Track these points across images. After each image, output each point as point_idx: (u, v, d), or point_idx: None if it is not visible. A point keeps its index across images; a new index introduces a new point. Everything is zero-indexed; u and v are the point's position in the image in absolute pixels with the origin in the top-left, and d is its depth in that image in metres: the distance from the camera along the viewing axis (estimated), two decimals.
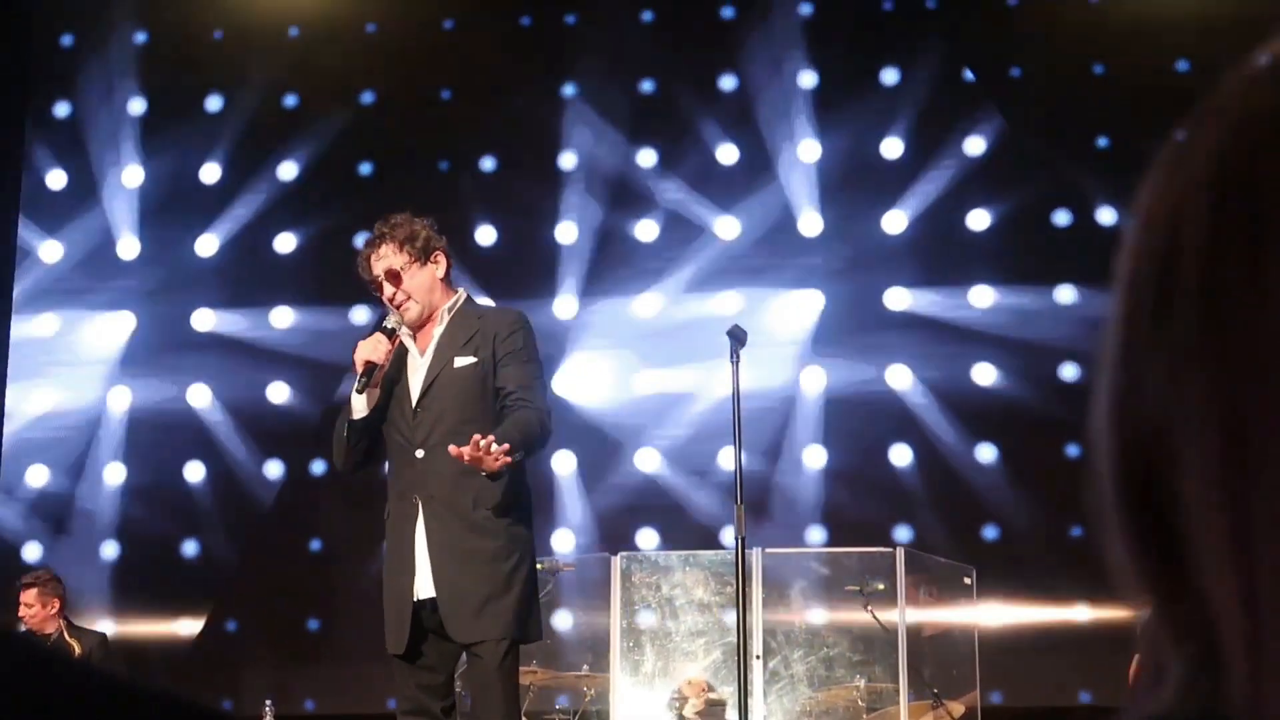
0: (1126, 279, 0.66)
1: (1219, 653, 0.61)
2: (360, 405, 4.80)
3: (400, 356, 4.89)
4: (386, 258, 4.89)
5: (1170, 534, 0.63)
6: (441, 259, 4.92)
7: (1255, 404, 0.60)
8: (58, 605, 7.49)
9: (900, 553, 6.68)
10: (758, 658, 6.45)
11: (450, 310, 4.89)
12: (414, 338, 4.91)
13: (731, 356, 5.21)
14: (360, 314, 8.98)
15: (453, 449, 4.45)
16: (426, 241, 4.91)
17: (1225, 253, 0.61)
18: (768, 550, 6.74)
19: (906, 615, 6.59)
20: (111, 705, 0.70)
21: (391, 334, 4.80)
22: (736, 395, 5.13)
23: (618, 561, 6.79)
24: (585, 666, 6.89)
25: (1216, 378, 0.61)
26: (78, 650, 7.25)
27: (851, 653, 6.72)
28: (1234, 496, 0.60)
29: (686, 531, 8.48)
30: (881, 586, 6.67)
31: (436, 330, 4.86)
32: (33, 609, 7.42)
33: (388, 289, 4.87)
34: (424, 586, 4.70)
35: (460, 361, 4.78)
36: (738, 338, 5.26)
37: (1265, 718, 0.58)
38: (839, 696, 6.65)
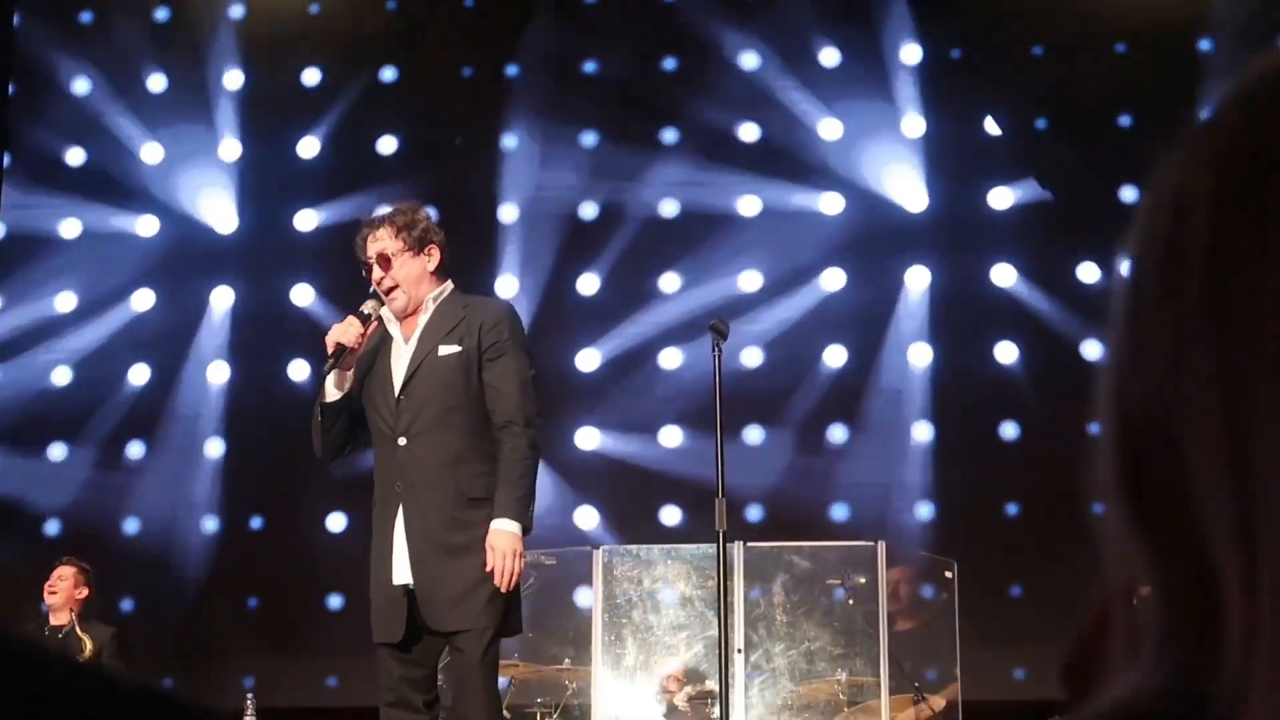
0: (1135, 257, 0.67)
1: (1214, 631, 0.61)
2: (331, 388, 4.80)
3: (385, 345, 4.90)
4: (382, 240, 4.90)
5: (1168, 510, 0.63)
6: (435, 252, 4.93)
7: (1257, 381, 0.60)
8: (85, 594, 7.49)
9: (881, 546, 6.69)
10: (739, 651, 6.45)
11: (436, 300, 4.90)
12: (400, 326, 4.91)
13: (713, 349, 5.22)
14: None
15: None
16: (424, 232, 4.92)
17: (1231, 234, 0.62)
18: (749, 544, 6.75)
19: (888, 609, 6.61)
20: (103, 705, 0.69)
21: (366, 319, 4.81)
22: (719, 388, 5.14)
23: (599, 555, 6.79)
24: (567, 660, 6.89)
25: (1220, 355, 0.61)
26: (89, 645, 7.23)
27: (833, 646, 6.73)
28: (1235, 474, 0.60)
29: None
30: (863, 580, 6.68)
31: (422, 319, 4.87)
32: (63, 584, 7.42)
33: (377, 272, 4.88)
34: (402, 574, 4.70)
35: (444, 350, 4.79)
36: (720, 331, 5.27)
37: (1258, 695, 0.58)
38: (820, 690, 6.66)
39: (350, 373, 4.83)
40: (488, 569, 4.59)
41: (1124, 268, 0.68)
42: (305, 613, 8.89)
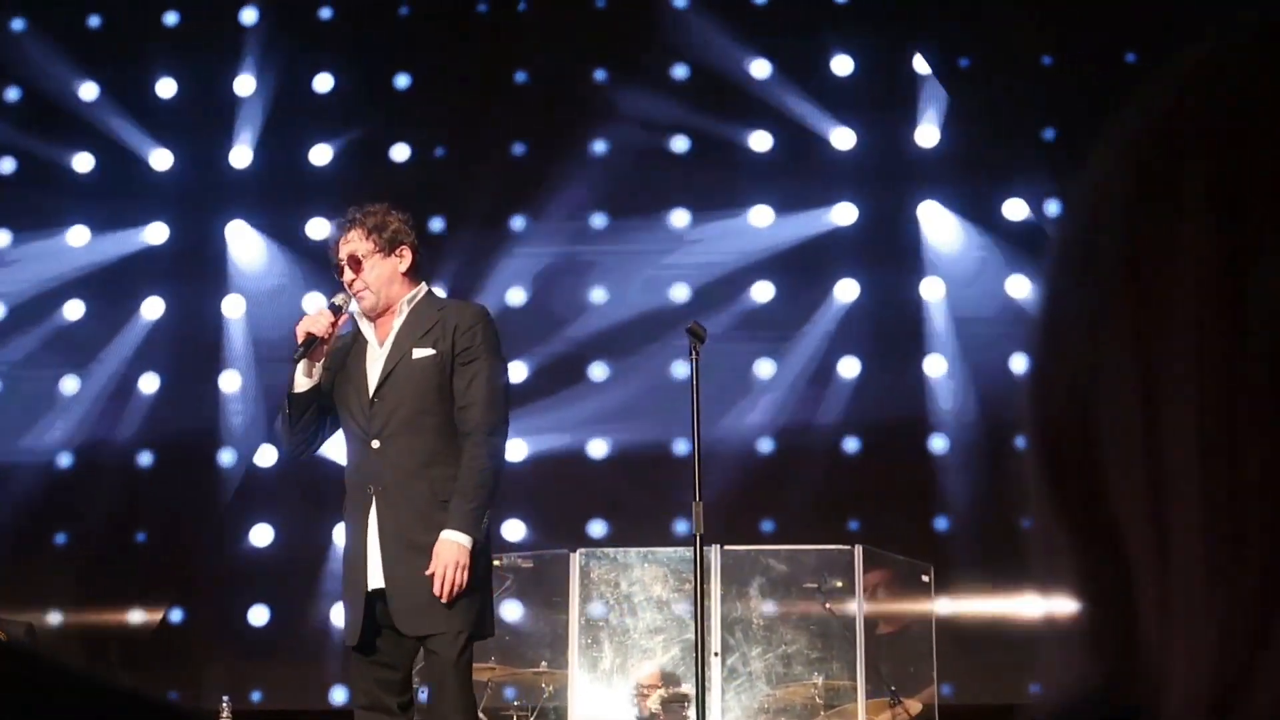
0: (1057, 240, 0.68)
1: (1133, 615, 0.61)
2: (301, 379, 4.79)
3: (359, 346, 4.89)
4: (353, 243, 4.91)
5: (1087, 506, 0.64)
6: (407, 254, 4.92)
7: (1167, 360, 0.60)
8: None
9: (858, 550, 6.70)
10: (716, 654, 6.45)
11: (410, 302, 4.89)
12: (374, 328, 4.90)
13: (690, 352, 5.22)
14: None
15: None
16: (395, 234, 4.91)
17: (1146, 213, 0.63)
18: (725, 547, 6.75)
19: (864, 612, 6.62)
20: (76, 701, 0.69)
21: (337, 310, 4.80)
22: (695, 389, 5.14)
23: (576, 558, 6.79)
24: (543, 663, 6.88)
25: (1134, 334, 0.62)
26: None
27: (809, 650, 6.73)
28: (1148, 455, 0.61)
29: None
30: (839, 584, 6.69)
31: (395, 322, 4.87)
32: None
33: (348, 274, 4.89)
34: (375, 577, 4.69)
35: (418, 353, 4.78)
36: (697, 335, 5.27)
37: (1174, 684, 0.59)
38: (797, 694, 6.66)
39: (320, 364, 4.82)
40: (428, 572, 4.58)
41: (1051, 245, 0.69)
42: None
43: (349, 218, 4.99)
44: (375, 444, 4.73)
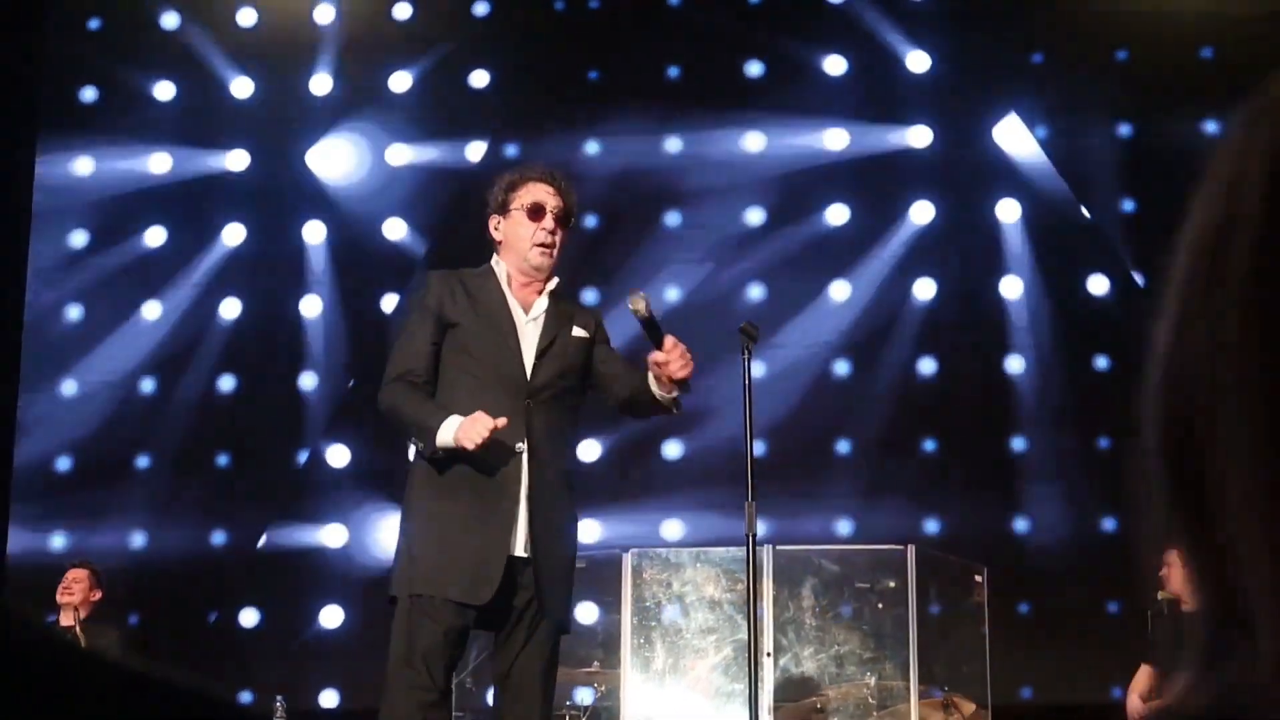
0: (1184, 256, 0.67)
1: (1251, 624, 0.60)
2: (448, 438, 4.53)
3: (496, 301, 4.75)
4: (564, 199, 4.79)
5: (1210, 511, 0.63)
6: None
7: None
8: (99, 596, 7.59)
9: (911, 550, 6.68)
10: (768, 655, 6.44)
11: (556, 282, 4.85)
12: (513, 291, 4.78)
13: (742, 352, 5.20)
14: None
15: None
16: (577, 210, 4.91)
17: (1277, 239, 0.62)
18: (778, 547, 6.74)
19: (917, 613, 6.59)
20: (133, 699, 0.70)
21: (649, 323, 4.60)
22: (748, 391, 5.12)
23: (629, 558, 6.79)
24: (596, 663, 6.89)
25: (1263, 359, 0.61)
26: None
27: (862, 650, 6.71)
28: (1273, 475, 0.60)
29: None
30: (893, 584, 6.67)
31: (544, 298, 4.77)
32: (78, 586, 7.51)
33: (549, 223, 4.75)
34: (520, 544, 4.53)
35: (577, 331, 4.78)
36: (750, 335, 5.25)
37: None
38: (849, 694, 6.64)
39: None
40: None
41: (1173, 268, 0.68)
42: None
43: (548, 172, 4.85)
44: (529, 403, 4.62)
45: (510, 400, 4.57)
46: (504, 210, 4.81)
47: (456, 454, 4.48)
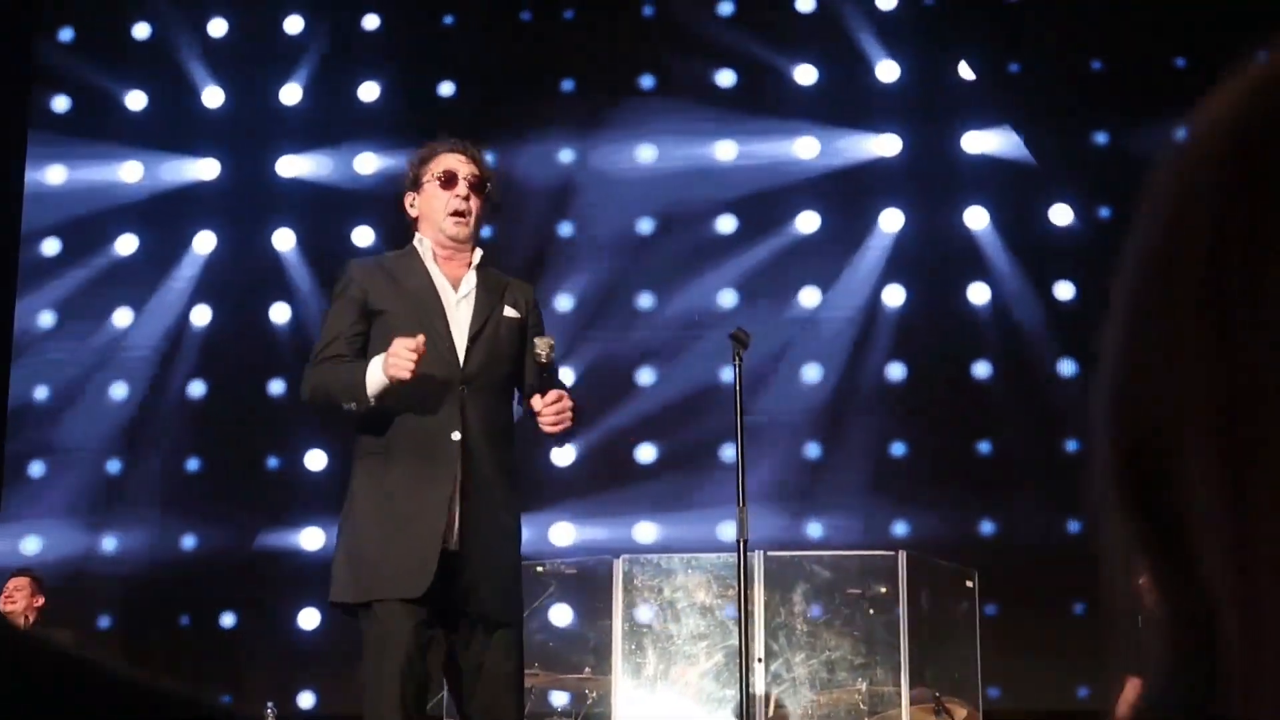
0: (1131, 275, 0.66)
1: (1217, 646, 0.60)
2: (378, 382, 4.41)
3: (420, 280, 4.62)
4: (476, 166, 4.69)
5: (1170, 526, 0.63)
6: (488, 204, 4.77)
7: (1254, 401, 0.59)
8: (41, 603, 7.63)
9: (902, 555, 6.68)
10: (759, 660, 6.44)
11: (481, 254, 4.73)
12: (440, 266, 4.67)
13: (733, 358, 5.21)
14: None
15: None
16: (492, 178, 4.81)
17: (1229, 252, 0.61)
18: (769, 553, 6.74)
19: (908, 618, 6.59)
20: (117, 702, 0.69)
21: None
22: (739, 397, 5.13)
23: (619, 564, 6.79)
24: (587, 669, 6.88)
25: (1217, 373, 0.61)
26: None
27: (853, 655, 6.71)
28: (1234, 490, 0.60)
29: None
30: (884, 590, 6.67)
31: (471, 272, 4.66)
32: (20, 594, 7.52)
33: (463, 189, 4.64)
34: (454, 538, 4.41)
35: (509, 312, 4.67)
36: (741, 340, 5.26)
37: (1260, 711, 0.58)
38: (841, 699, 6.64)
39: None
40: None
41: (1121, 270, 0.67)
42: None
43: (459, 143, 4.75)
44: (463, 390, 4.50)
45: (443, 387, 4.45)
46: (417, 185, 4.73)
47: (396, 396, 4.35)
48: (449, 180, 4.64)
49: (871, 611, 6.69)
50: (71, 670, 0.70)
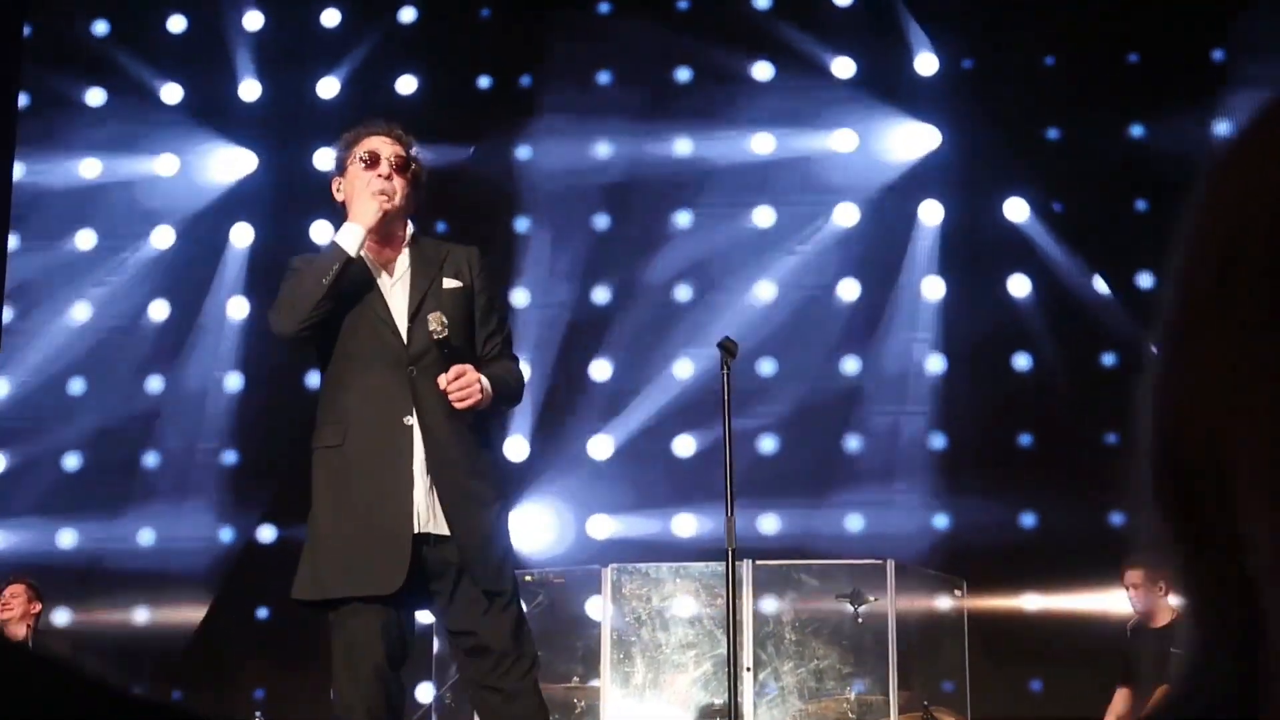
0: (1185, 277, 0.66)
1: (1259, 652, 0.60)
2: (353, 242, 4.42)
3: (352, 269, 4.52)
4: (399, 146, 4.62)
5: (1216, 533, 0.63)
6: (422, 189, 4.69)
7: None
8: (38, 609, 7.60)
9: (890, 565, 6.68)
10: (748, 669, 6.44)
11: (412, 231, 4.66)
12: (367, 252, 4.56)
13: (721, 367, 5.21)
14: None
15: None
16: (420, 162, 4.73)
17: None
18: (758, 562, 6.74)
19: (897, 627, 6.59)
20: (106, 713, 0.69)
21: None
22: (727, 407, 5.13)
23: (608, 573, 6.79)
24: (575, 678, 6.88)
25: (1273, 377, 0.60)
26: None
27: (841, 664, 6.72)
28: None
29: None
30: (873, 599, 6.67)
31: (403, 252, 4.57)
32: (16, 601, 7.50)
33: (384, 168, 4.55)
34: (424, 520, 4.34)
35: (449, 283, 4.57)
36: (729, 350, 5.26)
37: None
38: (829, 708, 6.64)
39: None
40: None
41: (1171, 289, 0.66)
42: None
43: (384, 125, 4.69)
44: (412, 370, 4.43)
45: (392, 372, 4.39)
46: (342, 169, 4.66)
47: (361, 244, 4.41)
48: (373, 161, 4.57)
49: (860, 620, 6.70)
50: (66, 684, 0.70)
